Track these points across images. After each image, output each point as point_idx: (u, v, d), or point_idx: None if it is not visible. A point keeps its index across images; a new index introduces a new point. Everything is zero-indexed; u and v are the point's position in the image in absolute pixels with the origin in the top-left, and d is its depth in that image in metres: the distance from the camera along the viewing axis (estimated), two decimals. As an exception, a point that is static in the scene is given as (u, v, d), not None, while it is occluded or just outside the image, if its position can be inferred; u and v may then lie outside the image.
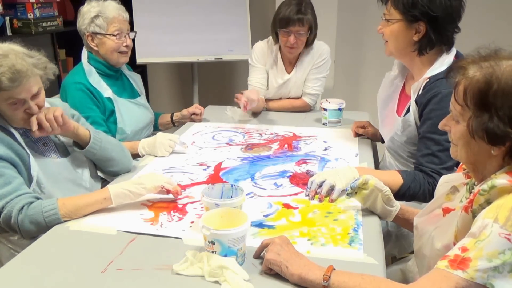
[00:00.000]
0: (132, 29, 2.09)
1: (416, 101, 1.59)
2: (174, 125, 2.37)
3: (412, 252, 1.36)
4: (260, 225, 1.31)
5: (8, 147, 1.37)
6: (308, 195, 1.48)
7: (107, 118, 2.01)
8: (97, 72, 2.01)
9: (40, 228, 1.30)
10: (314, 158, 1.83)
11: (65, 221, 1.31)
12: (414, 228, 1.24)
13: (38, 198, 1.35)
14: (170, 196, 1.45)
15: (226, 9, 3.50)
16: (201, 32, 3.47)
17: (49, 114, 1.42)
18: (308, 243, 1.22)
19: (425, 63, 1.60)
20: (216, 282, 1.04)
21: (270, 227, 1.31)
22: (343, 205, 1.42)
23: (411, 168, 1.66)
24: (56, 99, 1.69)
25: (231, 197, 1.30)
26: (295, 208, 1.41)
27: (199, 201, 1.44)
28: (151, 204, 1.43)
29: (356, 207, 1.40)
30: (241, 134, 2.15)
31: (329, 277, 0.98)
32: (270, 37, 2.47)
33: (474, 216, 0.96)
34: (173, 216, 1.36)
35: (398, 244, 1.72)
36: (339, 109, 2.23)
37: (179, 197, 1.47)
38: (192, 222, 1.33)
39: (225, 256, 1.07)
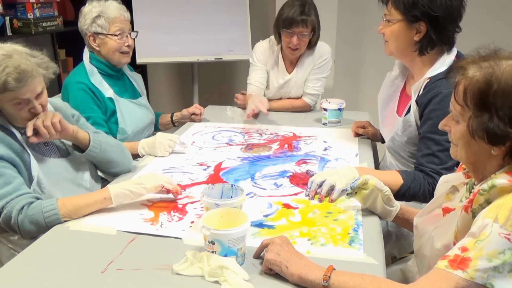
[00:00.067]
0: (132, 29, 2.09)
1: (416, 101, 1.59)
2: (174, 125, 2.37)
3: (412, 252, 1.36)
4: (260, 225, 1.31)
5: (8, 147, 1.37)
6: (308, 195, 1.48)
7: (108, 118, 2.01)
8: (99, 72, 2.00)
9: (40, 228, 1.30)
10: (314, 158, 1.83)
11: (65, 221, 1.31)
12: (414, 228, 1.23)
13: (38, 198, 1.35)
14: (170, 196, 1.45)
15: (226, 9, 3.50)
16: (201, 32, 3.47)
17: (47, 121, 1.41)
18: (308, 243, 1.22)
19: (426, 63, 1.60)
20: (216, 282, 1.04)
21: (270, 227, 1.30)
22: (343, 205, 1.42)
23: (412, 168, 1.66)
24: (57, 99, 1.69)
25: (231, 197, 1.30)
26: (295, 208, 1.41)
27: (199, 201, 1.44)
28: (151, 204, 1.43)
29: (356, 207, 1.40)
30: (241, 134, 2.14)
31: (329, 277, 0.98)
32: (272, 37, 2.47)
33: (474, 216, 0.96)
34: (173, 216, 1.36)
35: (398, 244, 1.72)
36: (339, 109, 2.23)
37: (179, 197, 1.47)
38: (192, 222, 1.33)
39: (225, 256, 1.07)
